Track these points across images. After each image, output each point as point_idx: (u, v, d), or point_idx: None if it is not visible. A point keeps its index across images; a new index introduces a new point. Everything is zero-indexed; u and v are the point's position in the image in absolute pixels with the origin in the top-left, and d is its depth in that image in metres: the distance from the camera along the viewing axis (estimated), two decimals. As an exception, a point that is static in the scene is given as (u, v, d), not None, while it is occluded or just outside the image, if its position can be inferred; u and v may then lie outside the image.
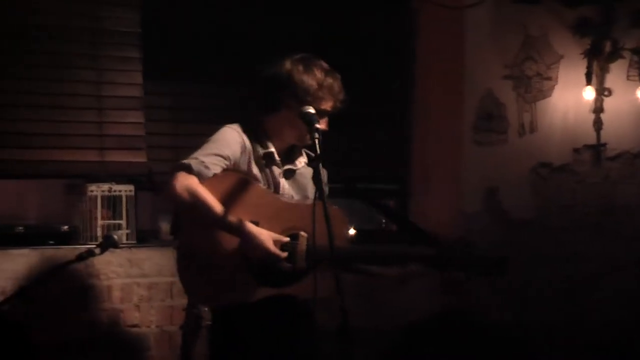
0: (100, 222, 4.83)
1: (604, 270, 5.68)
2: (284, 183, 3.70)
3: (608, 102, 5.63)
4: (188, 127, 5.29)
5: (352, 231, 5.53)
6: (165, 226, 5.05)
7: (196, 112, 5.33)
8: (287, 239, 3.55)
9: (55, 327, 4.59)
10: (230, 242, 3.52)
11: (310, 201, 3.61)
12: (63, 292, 4.64)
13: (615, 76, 5.63)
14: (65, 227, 4.84)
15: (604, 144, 5.67)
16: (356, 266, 3.78)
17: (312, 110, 3.45)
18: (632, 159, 5.71)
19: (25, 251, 4.61)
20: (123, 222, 4.88)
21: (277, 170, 3.68)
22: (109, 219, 4.86)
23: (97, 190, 4.84)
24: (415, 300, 5.39)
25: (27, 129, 4.92)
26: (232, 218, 3.46)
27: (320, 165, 3.51)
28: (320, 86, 3.62)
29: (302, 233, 3.56)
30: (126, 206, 4.89)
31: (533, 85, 5.69)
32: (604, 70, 5.60)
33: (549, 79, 5.70)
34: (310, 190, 3.76)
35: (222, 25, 5.36)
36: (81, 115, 5.03)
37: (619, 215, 5.73)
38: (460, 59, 5.65)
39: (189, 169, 3.45)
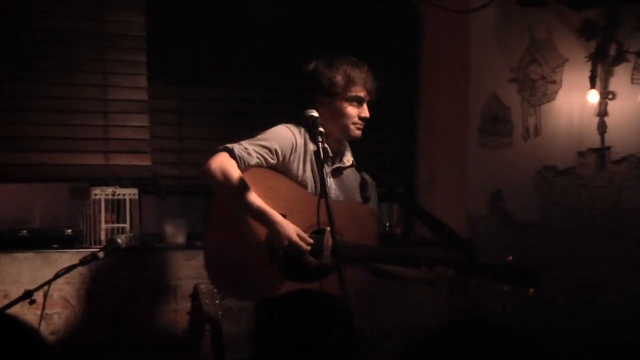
0: (104, 225, 4.84)
1: (610, 274, 5.67)
2: (331, 182, 3.76)
3: (612, 106, 5.61)
4: (193, 131, 5.30)
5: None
6: (169, 229, 5.06)
7: (201, 115, 5.34)
8: (310, 240, 3.56)
9: (59, 330, 4.61)
10: (258, 235, 3.56)
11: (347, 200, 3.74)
12: (67, 296, 4.66)
13: (620, 79, 5.61)
14: (69, 230, 4.85)
15: (609, 148, 5.66)
16: (382, 267, 3.80)
17: (315, 113, 3.50)
18: (637, 162, 5.68)
19: (29, 255, 4.63)
20: (127, 225, 4.89)
21: (326, 169, 3.71)
22: (113, 223, 4.87)
23: (101, 193, 4.85)
24: (421, 303, 5.40)
25: (32, 132, 4.94)
26: (261, 205, 3.50)
27: (369, 176, 3.82)
28: (344, 77, 3.73)
29: (329, 229, 3.56)
30: (130, 210, 4.90)
31: (538, 88, 5.68)
32: (608, 74, 5.58)
33: (554, 82, 5.68)
34: (355, 195, 3.84)
35: (227, 29, 5.37)
36: (86, 119, 5.04)
37: (624, 218, 5.71)
38: (466, 63, 5.65)
39: (231, 152, 3.53)
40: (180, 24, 5.27)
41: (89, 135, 5.04)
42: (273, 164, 3.64)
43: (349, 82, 3.74)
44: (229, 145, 3.56)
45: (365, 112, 3.79)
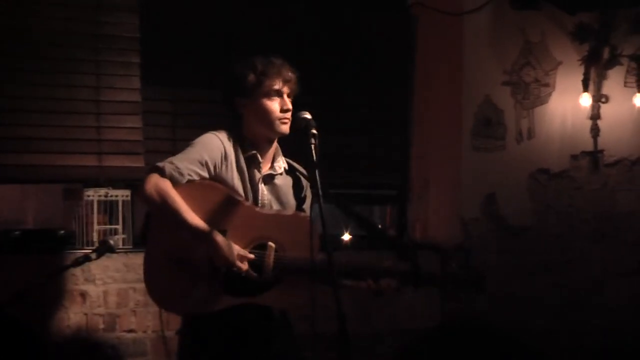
0: (96, 227, 4.83)
1: (603, 277, 5.68)
2: (263, 189, 3.69)
3: (605, 109, 5.63)
4: (186, 132, 5.27)
5: (347, 237, 5.55)
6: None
7: (194, 117, 5.32)
8: (252, 256, 3.52)
9: (52, 332, 4.60)
10: (200, 249, 3.50)
11: (285, 211, 3.69)
12: (60, 297, 4.65)
13: (613, 83, 5.63)
14: (62, 231, 4.85)
15: (602, 151, 5.68)
16: (329, 279, 3.77)
17: (307, 115, 3.45)
18: (630, 165, 5.71)
19: (22, 255, 4.61)
20: (119, 227, 4.88)
21: (257, 175, 3.66)
22: (106, 224, 4.86)
23: (94, 195, 4.84)
24: (414, 306, 5.39)
25: (25, 133, 4.93)
26: (200, 224, 3.46)
27: (303, 177, 3.70)
28: (255, 72, 3.62)
29: (270, 244, 3.55)
30: (122, 211, 4.89)
31: (531, 91, 5.69)
32: (601, 77, 5.61)
33: (547, 85, 5.70)
34: (289, 199, 3.77)
35: (221, 30, 5.37)
36: (79, 120, 5.03)
37: (617, 221, 5.73)
38: (459, 65, 5.65)
39: (162, 172, 3.47)
40: (174, 25, 5.27)
41: (82, 136, 5.03)
42: (205, 176, 3.56)
43: (261, 76, 3.62)
44: (160, 164, 3.49)
45: (286, 104, 3.64)
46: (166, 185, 3.45)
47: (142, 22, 5.15)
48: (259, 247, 3.56)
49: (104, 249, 3.82)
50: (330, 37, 5.60)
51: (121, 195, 4.91)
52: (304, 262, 3.35)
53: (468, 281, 3.60)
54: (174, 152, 5.14)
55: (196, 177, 3.53)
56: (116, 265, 4.77)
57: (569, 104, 5.67)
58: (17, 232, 4.78)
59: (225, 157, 3.59)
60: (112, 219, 4.88)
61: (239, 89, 3.64)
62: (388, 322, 5.38)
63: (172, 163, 3.50)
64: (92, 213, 4.82)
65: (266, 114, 3.60)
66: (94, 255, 3.77)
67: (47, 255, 4.64)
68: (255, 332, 3.63)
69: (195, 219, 3.46)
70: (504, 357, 1.95)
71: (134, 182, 5.04)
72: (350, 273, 3.64)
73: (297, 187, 3.84)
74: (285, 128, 3.62)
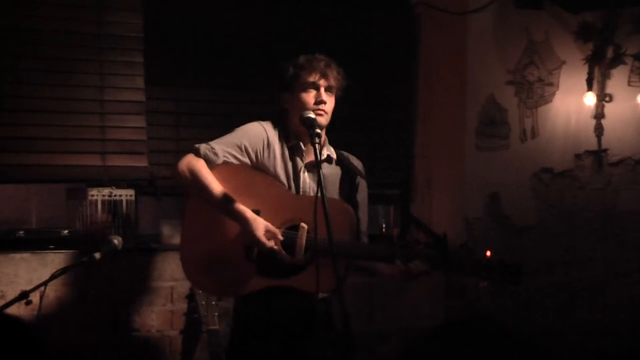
0: (100, 226, 4.83)
1: (606, 276, 5.68)
2: (305, 177, 3.72)
3: (609, 108, 5.62)
4: (190, 132, 5.29)
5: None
6: (166, 230, 5.06)
7: (198, 116, 5.33)
8: (280, 235, 3.55)
9: (55, 332, 4.60)
10: (232, 231, 3.56)
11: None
12: (63, 297, 4.65)
13: (617, 82, 5.62)
14: (66, 231, 4.85)
15: (606, 150, 5.67)
16: (359, 263, 3.78)
17: (311, 115, 3.53)
18: (634, 165, 5.70)
19: (26, 255, 4.63)
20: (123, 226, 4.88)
21: (300, 164, 3.72)
22: (110, 224, 4.86)
23: (98, 194, 4.85)
24: (418, 304, 5.40)
25: (30, 133, 4.93)
26: (230, 200, 3.53)
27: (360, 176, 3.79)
28: (295, 66, 3.75)
29: (303, 225, 3.58)
30: (126, 211, 4.90)
31: (535, 90, 5.68)
32: (605, 76, 5.60)
33: (551, 84, 5.69)
34: (334, 189, 3.80)
35: (224, 30, 5.37)
36: (83, 120, 5.04)
37: (620, 220, 5.72)
38: (463, 64, 5.64)
39: (197, 152, 3.60)
40: (178, 25, 5.27)
41: (86, 136, 5.03)
42: (245, 161, 3.66)
43: (299, 69, 3.74)
44: (196, 145, 3.64)
45: (321, 96, 3.71)
46: (199, 163, 3.58)
47: (146, 21, 5.15)
48: (292, 229, 3.60)
49: (108, 248, 3.83)
50: (333, 37, 5.59)
51: (125, 194, 4.91)
52: (336, 243, 3.28)
53: (506, 271, 3.60)
54: (178, 151, 5.21)
55: (233, 160, 3.63)
56: (120, 265, 4.76)
57: (572, 103, 5.66)
58: (21, 232, 4.78)
59: (267, 145, 3.69)
60: (116, 219, 4.88)
61: (282, 84, 3.78)
62: (393, 321, 5.39)
63: (208, 144, 3.62)
64: (97, 213, 4.83)
65: (301, 105, 3.68)
66: (98, 255, 3.78)
67: (51, 254, 4.65)
68: (295, 319, 3.66)
69: (226, 197, 3.53)
70: (510, 356, 1.95)
71: (138, 181, 5.06)
72: (381, 256, 3.69)
73: (346, 179, 3.88)
74: (320, 120, 3.65)
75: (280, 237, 3.56)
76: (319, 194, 3.23)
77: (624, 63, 5.60)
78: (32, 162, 4.93)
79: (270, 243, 3.53)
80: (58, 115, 4.98)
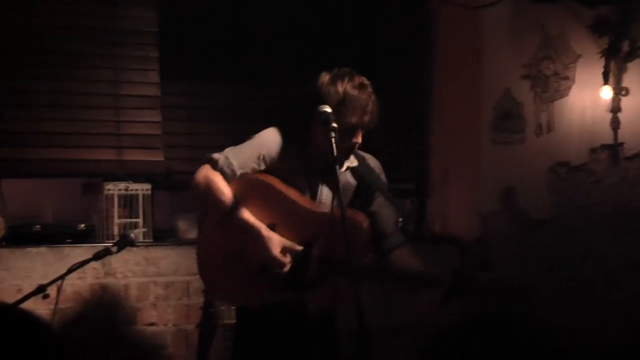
0: (117, 220, 4.85)
1: (622, 271, 5.65)
2: (322, 189, 3.65)
3: (625, 102, 5.59)
4: (205, 127, 5.30)
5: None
6: (182, 224, 5.07)
7: (213, 111, 5.34)
8: (299, 247, 3.51)
9: (72, 326, 4.62)
10: (249, 243, 3.51)
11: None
12: (80, 290, 4.67)
13: (633, 75, 5.59)
14: (82, 225, 4.87)
15: (622, 144, 5.64)
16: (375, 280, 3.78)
17: (328, 109, 3.41)
18: (650, 159, 5.68)
19: (42, 249, 4.64)
20: (140, 220, 4.90)
21: (317, 174, 3.63)
22: (126, 218, 4.88)
23: (114, 189, 4.86)
24: (433, 299, 5.39)
25: (45, 128, 4.96)
26: (245, 216, 3.46)
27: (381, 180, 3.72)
28: (345, 97, 3.53)
29: (317, 242, 3.52)
30: (143, 205, 4.91)
31: (551, 84, 5.66)
32: (621, 70, 5.56)
33: (567, 78, 5.66)
34: (345, 201, 3.60)
35: (239, 24, 5.37)
36: (99, 115, 5.06)
37: (636, 215, 5.69)
38: (478, 59, 5.63)
39: (214, 164, 3.49)
40: (193, 19, 5.28)
41: (101, 130, 5.06)
42: (263, 170, 3.56)
43: (346, 106, 3.51)
44: (215, 156, 3.50)
45: (358, 138, 3.60)
46: (216, 177, 3.47)
47: (161, 16, 5.16)
48: (308, 245, 3.53)
49: (125, 242, 3.84)
50: (347, 33, 5.59)
51: (141, 189, 4.93)
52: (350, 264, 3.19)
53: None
54: (193, 146, 5.22)
55: (250, 172, 3.53)
56: (136, 259, 4.79)
57: (588, 97, 5.63)
58: (37, 226, 4.80)
59: (285, 153, 3.56)
60: (132, 213, 4.90)
61: (321, 103, 3.47)
62: (408, 316, 5.38)
63: (227, 158, 3.50)
64: (113, 207, 4.84)
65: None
66: (114, 249, 3.79)
67: (67, 249, 4.67)
68: (290, 333, 3.64)
69: (242, 213, 3.46)
70: (534, 354, 1.94)
71: (154, 175, 5.07)
72: (399, 278, 3.69)
73: (360, 192, 3.75)
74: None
75: (296, 249, 3.51)
76: (336, 204, 3.22)
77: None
78: (48, 157, 4.95)
79: (285, 260, 3.48)
80: (73, 110, 5.01)
